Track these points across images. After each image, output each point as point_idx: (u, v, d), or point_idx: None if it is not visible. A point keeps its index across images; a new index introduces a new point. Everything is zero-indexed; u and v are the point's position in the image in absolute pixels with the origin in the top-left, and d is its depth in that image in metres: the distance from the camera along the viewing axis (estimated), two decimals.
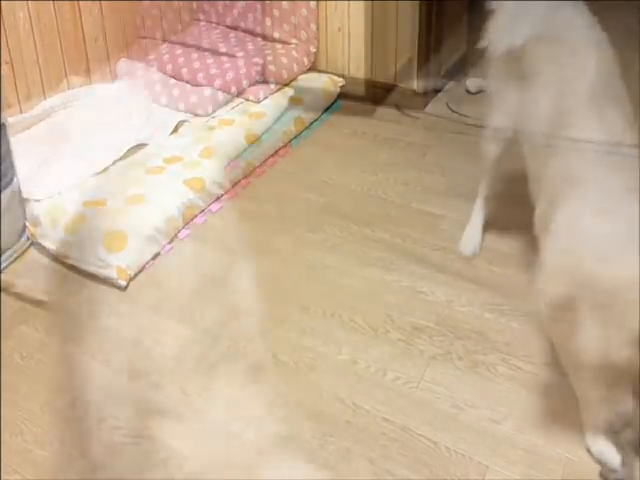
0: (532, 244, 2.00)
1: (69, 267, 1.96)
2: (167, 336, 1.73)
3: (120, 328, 1.76)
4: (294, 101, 2.61)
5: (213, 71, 2.65)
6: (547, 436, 1.45)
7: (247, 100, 2.60)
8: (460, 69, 2.97)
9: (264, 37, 2.86)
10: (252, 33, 2.89)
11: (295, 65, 2.73)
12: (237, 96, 2.61)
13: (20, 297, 1.86)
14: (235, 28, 2.93)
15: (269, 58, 2.68)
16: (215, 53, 2.73)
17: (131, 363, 1.66)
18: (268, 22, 2.82)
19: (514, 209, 2.04)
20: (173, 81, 2.65)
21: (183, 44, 2.82)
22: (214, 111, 2.52)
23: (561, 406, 1.51)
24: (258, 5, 2.80)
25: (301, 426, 1.49)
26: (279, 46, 2.78)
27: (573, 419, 1.48)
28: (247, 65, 2.64)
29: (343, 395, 1.56)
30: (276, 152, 2.48)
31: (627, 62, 2.94)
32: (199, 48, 2.77)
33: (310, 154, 2.48)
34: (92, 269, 1.90)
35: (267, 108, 2.55)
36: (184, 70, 2.69)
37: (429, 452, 1.43)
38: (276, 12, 2.78)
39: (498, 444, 1.44)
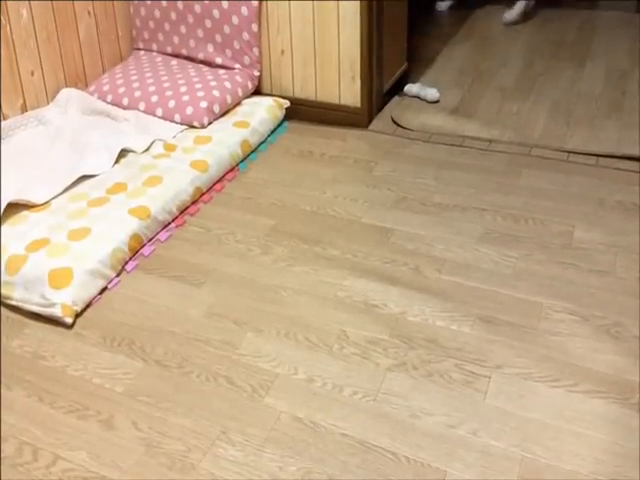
0: (478, 255, 2.03)
1: (11, 308, 1.91)
2: (117, 371, 1.69)
3: (67, 367, 1.71)
4: (240, 125, 2.61)
5: (155, 99, 2.65)
6: (502, 436, 1.46)
7: (192, 127, 2.60)
8: (402, 85, 3.02)
9: (206, 63, 2.88)
10: (194, 60, 2.90)
11: (239, 89, 2.74)
12: (182, 123, 2.61)
13: None
14: (177, 55, 2.94)
15: (212, 84, 2.69)
16: (157, 81, 2.73)
17: (80, 402, 1.61)
18: (210, 48, 2.83)
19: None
20: (115, 111, 2.64)
21: (123, 73, 2.81)
22: (153, 142, 2.51)
23: (514, 406, 1.53)
24: (200, 31, 2.82)
25: (259, 451, 1.47)
26: (222, 71, 2.79)
27: (526, 418, 1.50)
28: (190, 92, 2.65)
29: (301, 415, 1.54)
30: (224, 176, 2.47)
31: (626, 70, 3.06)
32: (140, 77, 2.77)
33: (258, 177, 2.49)
34: (35, 308, 1.85)
35: (213, 133, 2.55)
36: (124, 100, 2.68)
37: (388, 463, 1.42)
38: (218, 38, 2.79)
39: (455, 448, 1.44)
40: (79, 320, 1.86)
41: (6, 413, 1.59)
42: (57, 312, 1.82)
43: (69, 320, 1.82)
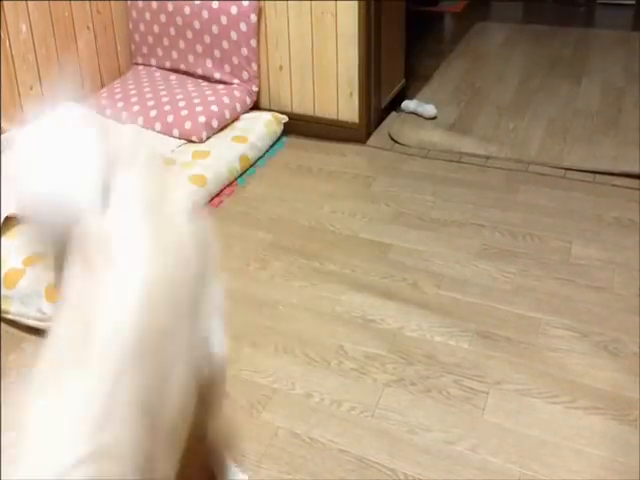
0: (476, 270, 2.03)
1: (9, 322, 1.90)
2: None
3: None
4: (238, 139, 2.62)
5: (153, 114, 2.65)
6: (500, 452, 1.46)
7: (190, 141, 2.61)
8: (400, 101, 3.04)
9: (205, 78, 2.89)
10: (193, 75, 2.92)
11: (238, 104, 2.75)
12: (180, 138, 2.61)
13: None
14: (175, 70, 2.96)
15: (211, 99, 2.70)
16: (155, 96, 2.74)
17: None
18: (209, 63, 2.85)
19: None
20: (113, 125, 2.64)
21: (122, 88, 2.82)
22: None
23: (512, 422, 1.52)
24: (199, 47, 2.83)
25: (256, 466, 1.45)
26: (220, 86, 2.81)
27: (524, 434, 1.49)
28: (188, 107, 2.66)
29: (299, 431, 1.53)
30: (222, 191, 2.47)
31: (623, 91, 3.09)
32: (139, 91, 2.78)
33: (256, 191, 2.49)
34: (32, 322, 1.84)
35: (211, 148, 2.56)
36: (123, 114, 2.69)
37: (386, 479, 1.41)
38: (217, 53, 2.81)
39: (453, 465, 1.43)
40: None
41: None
42: None
43: None
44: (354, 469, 1.44)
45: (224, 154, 2.52)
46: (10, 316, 1.88)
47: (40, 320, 1.83)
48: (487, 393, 1.60)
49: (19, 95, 2.58)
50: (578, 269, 2.01)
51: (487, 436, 1.49)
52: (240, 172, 2.57)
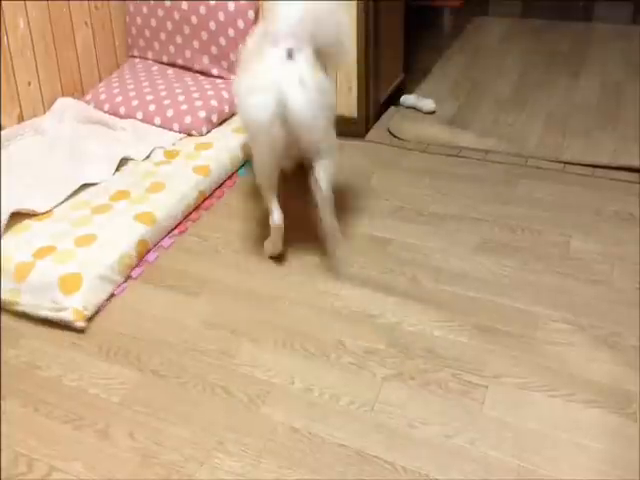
0: (475, 264, 2.04)
1: (7, 318, 1.89)
2: (113, 381, 1.68)
3: (63, 377, 1.70)
4: (239, 130, 2.62)
5: (152, 108, 2.65)
6: (499, 446, 1.46)
7: (190, 135, 2.60)
8: (399, 96, 3.04)
9: (202, 74, 2.88)
10: (190, 70, 2.91)
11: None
12: (180, 132, 2.61)
13: None
14: (172, 65, 2.95)
15: (210, 93, 2.70)
16: (154, 90, 2.73)
17: (76, 412, 1.60)
18: (206, 60, 2.84)
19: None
20: (112, 120, 2.64)
21: (120, 82, 2.81)
22: (153, 150, 2.51)
23: (511, 416, 1.52)
24: (195, 43, 2.83)
25: (256, 461, 1.46)
26: (219, 81, 2.80)
27: (523, 428, 1.49)
28: (188, 101, 2.65)
29: (298, 425, 1.53)
30: (224, 183, 2.47)
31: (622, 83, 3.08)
32: (137, 86, 2.77)
33: (256, 186, 2.48)
34: (45, 313, 1.84)
35: (214, 140, 2.56)
36: (121, 109, 2.69)
37: (385, 473, 1.41)
38: (214, 50, 2.80)
39: (452, 458, 1.43)
40: (75, 330, 1.85)
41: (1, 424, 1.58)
42: (68, 316, 1.81)
43: (80, 324, 1.82)
44: (353, 463, 1.44)
45: (226, 145, 2.53)
46: (20, 307, 1.88)
47: (54, 310, 1.83)
48: (486, 387, 1.60)
49: (17, 91, 2.58)
50: (577, 263, 2.01)
51: (486, 430, 1.50)
52: (242, 161, 2.56)
